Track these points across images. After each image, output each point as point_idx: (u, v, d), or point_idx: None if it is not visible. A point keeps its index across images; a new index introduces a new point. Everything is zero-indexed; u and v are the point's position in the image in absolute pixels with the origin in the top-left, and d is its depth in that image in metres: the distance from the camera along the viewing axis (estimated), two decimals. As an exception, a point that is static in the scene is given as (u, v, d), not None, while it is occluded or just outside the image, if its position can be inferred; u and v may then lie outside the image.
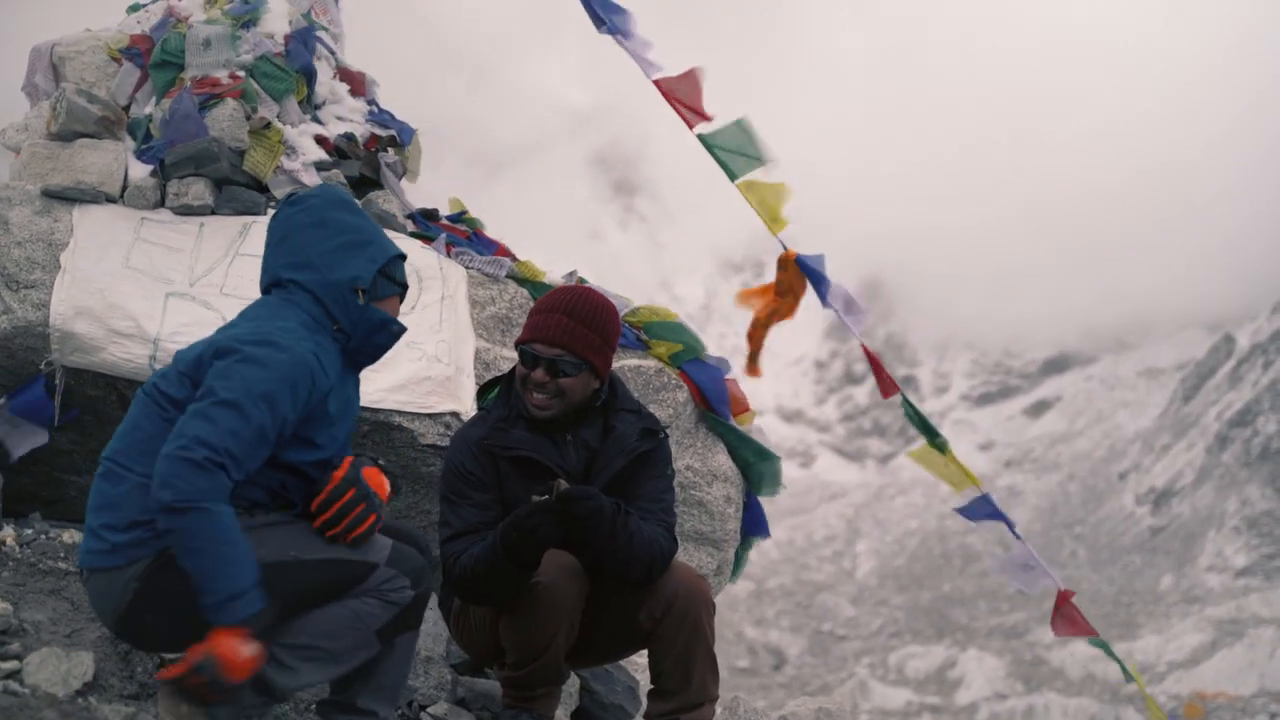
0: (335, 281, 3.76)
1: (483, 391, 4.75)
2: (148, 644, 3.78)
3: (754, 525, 6.40)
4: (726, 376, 6.29)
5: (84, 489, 5.65)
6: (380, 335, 3.88)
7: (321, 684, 3.58)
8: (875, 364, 6.86)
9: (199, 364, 3.53)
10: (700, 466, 6.11)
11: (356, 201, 4.00)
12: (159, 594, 3.45)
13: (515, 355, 4.54)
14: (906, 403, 6.93)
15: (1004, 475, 75.57)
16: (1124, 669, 7.24)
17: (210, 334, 3.73)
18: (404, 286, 4.02)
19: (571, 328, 4.31)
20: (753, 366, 6.78)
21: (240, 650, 3.30)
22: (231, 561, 3.29)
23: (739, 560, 6.44)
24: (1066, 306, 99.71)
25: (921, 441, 6.93)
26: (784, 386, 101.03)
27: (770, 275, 6.74)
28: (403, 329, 3.96)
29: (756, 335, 6.72)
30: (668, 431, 4.63)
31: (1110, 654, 7.20)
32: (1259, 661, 46.77)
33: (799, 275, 6.64)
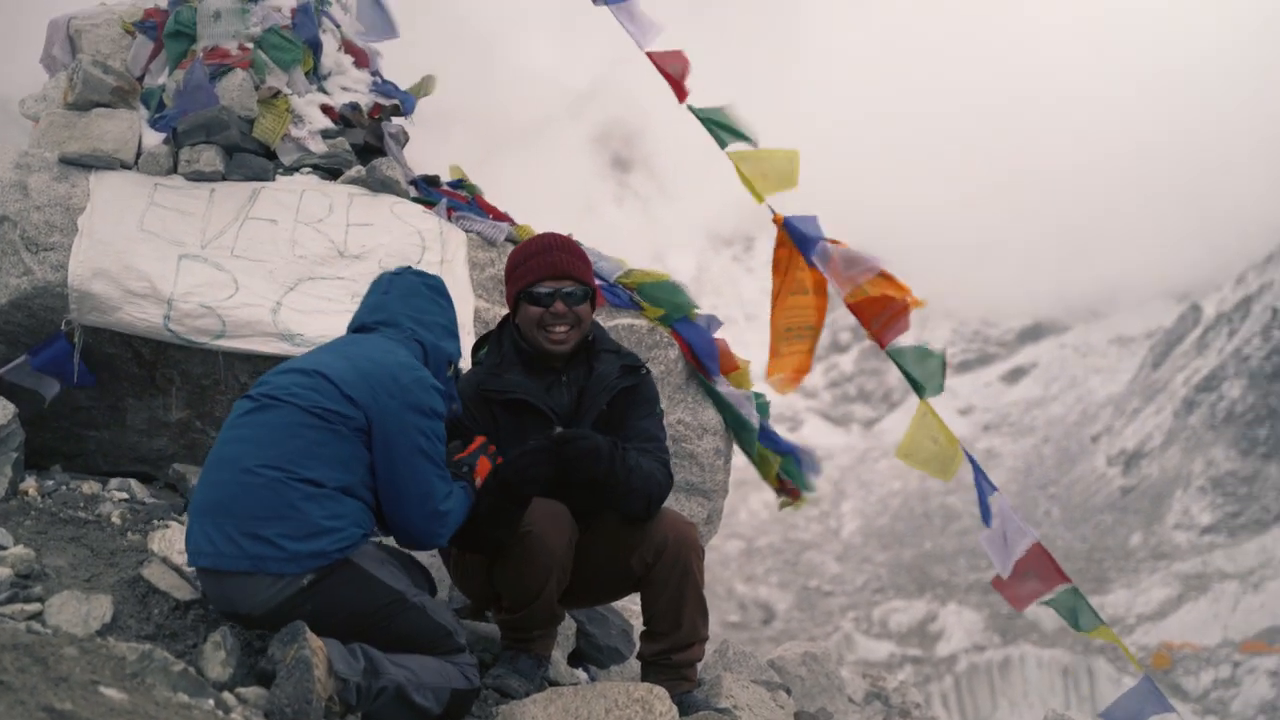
0: (442, 352, 4.29)
1: (476, 350, 4.87)
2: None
3: (809, 467, 6.65)
4: (715, 335, 6.41)
5: (102, 443, 5.82)
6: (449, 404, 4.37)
7: (383, 694, 3.78)
8: (865, 320, 6.92)
9: (373, 396, 3.91)
10: (691, 420, 6.29)
11: None
12: (330, 589, 3.78)
13: (514, 314, 4.72)
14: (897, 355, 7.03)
15: (982, 439, 75.86)
16: (1096, 616, 7.09)
17: (329, 353, 4.13)
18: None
19: (569, 260, 4.58)
20: (788, 376, 6.83)
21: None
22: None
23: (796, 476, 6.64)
24: (1041, 277, 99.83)
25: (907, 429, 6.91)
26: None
27: (760, 249, 6.77)
28: (461, 409, 4.42)
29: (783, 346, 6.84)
30: (649, 368, 4.78)
31: (1085, 603, 7.02)
32: (1223, 614, 47.49)
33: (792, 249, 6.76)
